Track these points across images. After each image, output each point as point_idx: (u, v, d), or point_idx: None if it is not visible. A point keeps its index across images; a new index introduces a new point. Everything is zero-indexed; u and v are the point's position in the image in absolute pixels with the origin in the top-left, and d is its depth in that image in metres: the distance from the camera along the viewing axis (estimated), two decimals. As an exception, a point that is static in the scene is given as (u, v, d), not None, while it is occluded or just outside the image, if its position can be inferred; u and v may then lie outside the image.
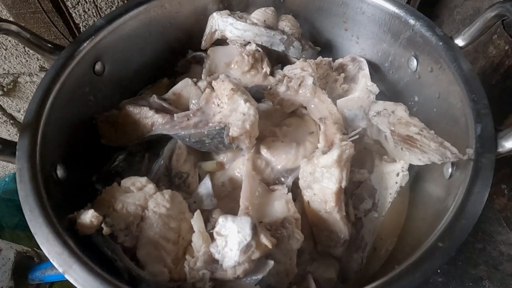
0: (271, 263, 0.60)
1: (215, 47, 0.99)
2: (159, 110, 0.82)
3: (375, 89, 0.88)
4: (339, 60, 0.98)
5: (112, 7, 1.23)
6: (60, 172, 0.71)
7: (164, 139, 0.82)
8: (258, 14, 0.95)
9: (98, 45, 0.84)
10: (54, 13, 1.21)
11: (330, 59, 0.94)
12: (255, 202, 0.72)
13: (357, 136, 0.79)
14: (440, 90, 0.77)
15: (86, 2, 1.24)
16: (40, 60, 1.34)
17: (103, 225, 0.60)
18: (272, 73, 0.96)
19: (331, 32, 1.02)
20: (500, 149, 0.61)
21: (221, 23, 0.95)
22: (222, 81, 0.78)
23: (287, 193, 0.73)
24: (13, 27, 0.73)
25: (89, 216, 0.59)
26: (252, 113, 0.73)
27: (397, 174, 0.78)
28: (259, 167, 0.79)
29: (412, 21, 0.81)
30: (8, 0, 1.11)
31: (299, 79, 0.85)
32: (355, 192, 0.77)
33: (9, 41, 1.28)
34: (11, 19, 1.19)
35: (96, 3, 1.24)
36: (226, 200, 0.79)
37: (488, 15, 0.72)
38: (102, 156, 0.84)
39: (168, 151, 0.79)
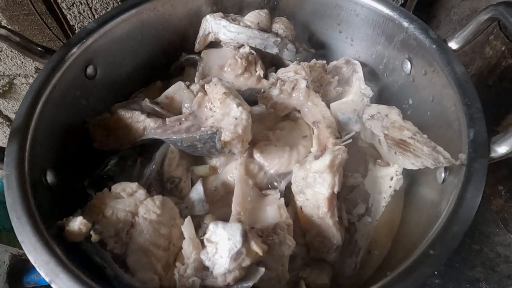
0: (262, 270, 0.59)
1: (209, 49, 0.98)
2: (151, 114, 0.81)
3: (369, 92, 0.88)
4: (333, 63, 0.97)
5: (107, 8, 1.22)
6: (50, 177, 0.70)
7: (157, 143, 0.81)
8: (252, 17, 0.94)
9: (89, 48, 0.83)
10: (48, 15, 1.21)
11: (324, 61, 0.93)
12: (247, 207, 0.71)
13: (350, 140, 0.79)
14: (434, 93, 0.76)
15: (81, 4, 1.23)
16: (36, 61, 1.34)
17: (91, 232, 0.60)
18: (266, 76, 0.95)
19: (326, 34, 1.01)
20: (492, 154, 0.60)
21: (214, 25, 0.95)
22: (215, 84, 0.77)
23: (280, 198, 0.72)
24: (2, 31, 0.72)
25: (77, 223, 0.58)
26: (245, 117, 0.72)
27: (391, 178, 0.77)
28: (252, 172, 0.78)
29: (405, 24, 0.81)
30: (1, 3, 1.11)
31: (293, 82, 0.85)
32: (349, 196, 0.76)
33: (4, 42, 1.27)
34: (4, 21, 1.18)
35: (90, 5, 1.23)
36: (219, 204, 0.78)
37: (482, 18, 0.71)
38: (94, 160, 0.83)
39: (160, 156, 0.78)
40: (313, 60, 0.92)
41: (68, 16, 1.26)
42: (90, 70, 0.85)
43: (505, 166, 1.12)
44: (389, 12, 0.84)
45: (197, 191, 0.76)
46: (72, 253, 0.58)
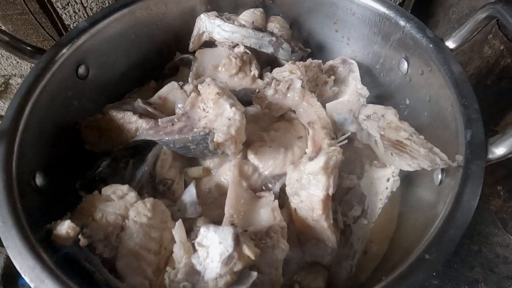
0: (254, 274, 0.58)
1: (203, 49, 0.97)
2: (143, 114, 0.80)
3: (365, 92, 0.86)
4: (330, 62, 0.96)
5: (103, 7, 1.21)
6: (39, 180, 0.69)
7: (150, 144, 0.80)
8: (246, 16, 0.93)
9: (81, 48, 0.82)
10: (41, 15, 1.19)
11: (320, 61, 0.92)
12: (240, 209, 0.70)
13: (346, 141, 0.78)
14: (431, 93, 0.75)
15: (76, 3, 1.22)
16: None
17: (80, 236, 0.58)
18: (261, 76, 0.94)
19: (322, 34, 1.00)
20: (490, 156, 0.59)
21: (208, 24, 0.93)
22: (208, 84, 0.76)
23: (274, 201, 0.71)
24: (-11, 31, 0.71)
25: (65, 227, 0.57)
26: (238, 118, 0.71)
27: (388, 180, 0.76)
28: (246, 173, 0.77)
29: (402, 23, 0.79)
30: (-7, 2, 1.10)
31: (288, 82, 0.83)
32: (344, 198, 0.75)
33: (-1, 42, 1.26)
34: (-3, 21, 1.17)
35: (85, 5, 1.22)
36: (213, 207, 0.77)
37: (479, 17, 0.70)
38: (86, 162, 0.82)
39: (152, 157, 0.77)
40: (309, 60, 0.91)
41: (63, 16, 1.25)
42: (82, 70, 0.83)
43: (504, 166, 1.11)
44: (385, 10, 0.83)
45: (190, 193, 0.75)
46: (60, 258, 0.56)
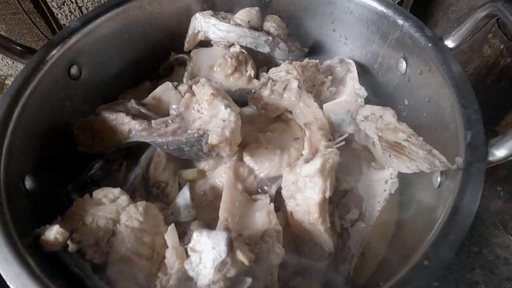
0: (248, 280, 0.56)
1: (199, 49, 0.96)
2: (137, 116, 0.79)
3: (363, 92, 0.85)
4: (327, 62, 0.95)
5: (99, 8, 1.20)
6: (29, 183, 0.67)
7: (144, 146, 0.78)
8: (242, 15, 0.92)
9: (73, 48, 0.80)
10: (35, 14, 1.18)
11: (317, 61, 0.91)
12: (235, 213, 0.68)
13: (343, 143, 0.76)
14: (430, 93, 0.74)
15: (72, 3, 1.21)
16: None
17: (69, 241, 0.57)
18: (257, 76, 0.92)
19: (319, 33, 0.99)
20: (491, 158, 0.57)
21: (204, 24, 0.92)
22: (202, 85, 0.75)
23: (269, 204, 0.70)
24: (-22, 30, 0.69)
25: (53, 232, 0.55)
26: (233, 120, 0.69)
27: (386, 182, 0.74)
28: (242, 175, 0.75)
29: (400, 21, 0.78)
30: (-15, 2, 1.08)
31: (284, 82, 0.82)
32: (341, 201, 0.74)
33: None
34: (-10, 21, 1.16)
35: (80, 4, 1.21)
36: (207, 210, 0.76)
37: (479, 15, 0.69)
38: (78, 164, 0.80)
39: (145, 159, 0.75)
40: (306, 59, 0.90)
41: (59, 15, 1.24)
42: (74, 70, 0.82)
43: (504, 167, 1.10)
44: (383, 9, 0.81)
45: (184, 197, 0.74)
46: (49, 264, 0.55)
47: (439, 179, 0.65)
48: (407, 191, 0.78)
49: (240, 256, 0.55)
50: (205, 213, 0.75)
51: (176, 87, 0.84)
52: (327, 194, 0.65)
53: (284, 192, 0.71)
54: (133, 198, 0.69)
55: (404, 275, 0.50)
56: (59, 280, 0.52)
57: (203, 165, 0.80)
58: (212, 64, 0.91)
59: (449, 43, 0.72)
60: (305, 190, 0.67)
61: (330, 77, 0.91)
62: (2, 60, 1.43)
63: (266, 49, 0.91)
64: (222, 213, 0.68)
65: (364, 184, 0.76)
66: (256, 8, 0.94)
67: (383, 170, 0.76)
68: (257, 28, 0.91)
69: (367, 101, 0.87)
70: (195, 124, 0.73)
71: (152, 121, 0.76)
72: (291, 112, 0.84)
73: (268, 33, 0.91)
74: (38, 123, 0.73)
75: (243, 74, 0.89)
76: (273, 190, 0.75)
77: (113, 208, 0.63)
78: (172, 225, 0.63)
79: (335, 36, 0.97)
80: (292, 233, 0.71)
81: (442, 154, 0.65)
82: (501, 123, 1.10)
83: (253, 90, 0.85)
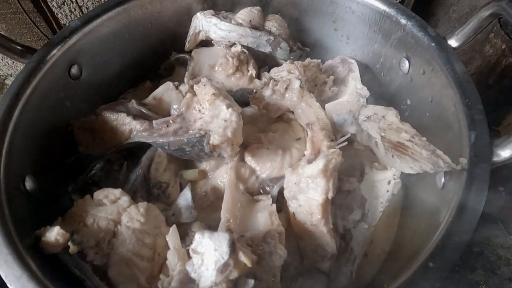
0: (251, 282, 0.56)
1: (200, 48, 0.95)
2: (137, 116, 0.78)
3: (365, 92, 0.84)
4: (329, 62, 0.94)
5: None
6: (29, 183, 0.66)
7: (145, 146, 0.78)
8: (244, 14, 0.91)
9: (73, 48, 0.80)
10: (35, 14, 1.17)
11: (319, 60, 0.90)
12: (237, 214, 0.68)
13: (345, 143, 0.76)
14: (433, 93, 0.73)
15: (72, 2, 1.20)
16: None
17: (69, 243, 0.56)
18: (258, 76, 0.92)
19: (321, 33, 0.98)
20: (495, 159, 0.57)
21: (205, 23, 0.91)
22: (204, 85, 0.74)
23: (271, 204, 0.69)
24: (-23, 30, 0.69)
25: (54, 234, 0.55)
26: (234, 120, 0.69)
27: (389, 182, 0.74)
28: (243, 176, 0.75)
29: (403, 21, 0.77)
30: (-15, 1, 1.07)
31: (286, 82, 0.81)
32: (344, 202, 0.73)
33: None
34: (-10, 20, 1.15)
35: (80, 4, 1.20)
36: (209, 210, 0.75)
37: (483, 14, 0.68)
38: (79, 164, 0.79)
39: (146, 160, 0.75)
40: (308, 59, 0.89)
41: (59, 15, 1.23)
42: (74, 70, 0.81)
43: (505, 166, 1.09)
44: (386, 8, 0.81)
45: (185, 197, 0.73)
46: (50, 266, 0.54)
47: (442, 179, 0.64)
48: (410, 191, 0.78)
49: (243, 258, 0.55)
50: (207, 214, 0.74)
51: (177, 87, 0.84)
52: (330, 195, 0.65)
53: (286, 193, 0.70)
54: (134, 199, 0.68)
55: (409, 276, 0.49)
56: (59, 282, 0.52)
57: (205, 165, 0.80)
58: (213, 64, 0.90)
59: (453, 42, 0.72)
60: (307, 191, 0.66)
61: (332, 77, 0.90)
62: (2, 60, 1.43)
63: (267, 49, 0.91)
64: (224, 214, 0.67)
65: (366, 185, 0.75)
66: (258, 7, 0.94)
67: (385, 170, 0.75)
68: (258, 27, 0.91)
69: (369, 101, 0.86)
70: (197, 124, 0.72)
71: (153, 122, 0.75)
72: (292, 112, 0.84)
73: (269, 32, 0.90)
74: (38, 123, 0.73)
75: (244, 74, 0.88)
76: (275, 191, 0.74)
77: (114, 209, 0.63)
78: (174, 226, 0.62)
79: (336, 35, 0.97)
80: (294, 234, 0.70)
81: (445, 155, 0.64)
82: (502, 123, 1.10)
83: (254, 90, 0.84)
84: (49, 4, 1.18)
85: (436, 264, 0.49)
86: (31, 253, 0.54)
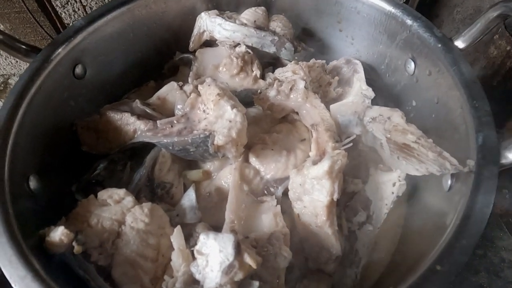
0: (256, 284, 0.56)
1: (204, 48, 0.95)
2: (141, 116, 0.78)
3: (370, 93, 0.84)
4: (333, 63, 0.94)
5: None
6: (33, 183, 0.66)
7: (149, 146, 0.77)
8: (248, 14, 0.91)
9: (78, 47, 0.80)
10: (39, 13, 1.17)
11: (324, 61, 0.90)
12: (241, 215, 0.67)
13: (350, 144, 0.75)
14: (439, 95, 0.73)
15: (76, 2, 1.20)
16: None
17: (74, 243, 0.56)
18: (263, 76, 0.91)
19: (325, 33, 0.98)
20: (503, 161, 0.56)
21: (209, 23, 0.91)
22: (208, 85, 0.74)
23: (276, 206, 0.69)
24: (-18, 29, 0.69)
25: (58, 234, 0.55)
26: (239, 120, 0.68)
27: (394, 184, 0.73)
28: (247, 177, 0.75)
29: (409, 22, 0.77)
30: (-10, 0, 1.08)
31: (290, 83, 0.81)
32: (349, 204, 0.72)
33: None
34: (-5, 19, 1.15)
35: (84, 3, 1.20)
36: (213, 211, 0.75)
37: (491, 15, 0.67)
38: (83, 164, 0.79)
39: (150, 160, 0.75)
40: (312, 60, 0.89)
41: (63, 15, 1.23)
42: (78, 69, 0.81)
43: (509, 168, 1.08)
44: (391, 9, 0.80)
45: (189, 198, 0.73)
46: (54, 266, 0.54)
47: (449, 182, 0.64)
48: (416, 193, 0.77)
49: (248, 259, 0.54)
50: (211, 214, 0.74)
51: (181, 87, 0.83)
52: (335, 197, 0.64)
53: (291, 194, 0.70)
54: (138, 199, 0.68)
55: (416, 279, 0.49)
56: (63, 282, 0.51)
57: (209, 166, 0.79)
58: (218, 64, 0.90)
59: (459, 43, 0.71)
60: (312, 192, 0.66)
61: (336, 78, 0.90)
62: (5, 59, 1.43)
63: (272, 49, 0.90)
64: (228, 215, 0.67)
65: (371, 186, 0.74)
66: (262, 7, 0.94)
67: (390, 172, 0.74)
68: (263, 28, 0.90)
69: (374, 102, 0.86)
70: (201, 124, 0.72)
71: (157, 122, 0.75)
72: (297, 113, 0.83)
73: (274, 33, 0.90)
74: (43, 122, 0.73)
75: (248, 74, 0.88)
76: (279, 192, 0.74)
77: (118, 209, 0.63)
78: (178, 227, 0.62)
79: (341, 36, 0.96)
80: (299, 236, 0.70)
81: (453, 157, 0.63)
82: (507, 125, 1.09)
83: (259, 91, 0.84)
84: (53, 3, 1.18)
85: (444, 267, 0.49)
86: (35, 253, 0.53)
